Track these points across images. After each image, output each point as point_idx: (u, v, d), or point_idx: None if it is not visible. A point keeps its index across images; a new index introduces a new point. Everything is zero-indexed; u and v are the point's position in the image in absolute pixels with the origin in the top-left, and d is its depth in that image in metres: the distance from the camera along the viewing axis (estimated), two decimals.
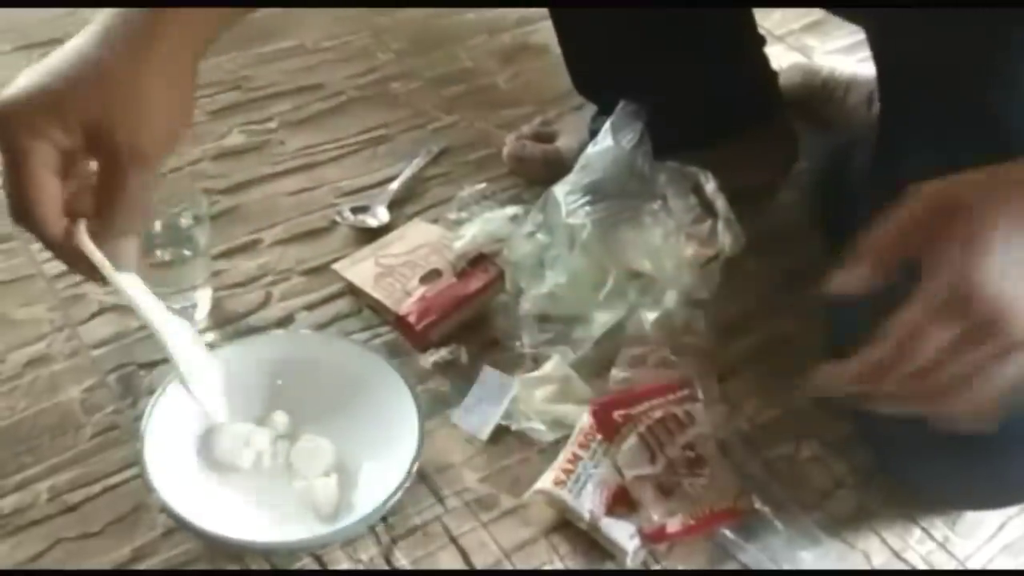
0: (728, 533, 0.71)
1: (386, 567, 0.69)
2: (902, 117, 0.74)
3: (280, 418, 0.73)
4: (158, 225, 0.78)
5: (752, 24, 0.96)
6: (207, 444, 0.72)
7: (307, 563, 0.69)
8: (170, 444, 0.69)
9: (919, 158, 0.70)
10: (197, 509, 0.66)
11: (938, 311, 0.54)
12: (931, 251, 0.54)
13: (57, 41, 1.20)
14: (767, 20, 1.21)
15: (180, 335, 0.66)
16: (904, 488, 0.75)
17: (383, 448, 0.71)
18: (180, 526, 0.66)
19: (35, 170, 0.55)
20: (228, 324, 0.84)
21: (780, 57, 1.17)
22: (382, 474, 0.69)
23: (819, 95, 1.07)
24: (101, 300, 0.85)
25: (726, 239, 0.84)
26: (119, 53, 0.56)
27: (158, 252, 0.79)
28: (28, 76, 0.56)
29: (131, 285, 0.62)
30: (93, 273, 0.60)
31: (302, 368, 0.75)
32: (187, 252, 0.79)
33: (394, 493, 0.67)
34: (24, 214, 0.56)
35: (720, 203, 0.85)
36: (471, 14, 1.27)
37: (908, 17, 0.68)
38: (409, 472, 0.68)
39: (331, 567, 0.69)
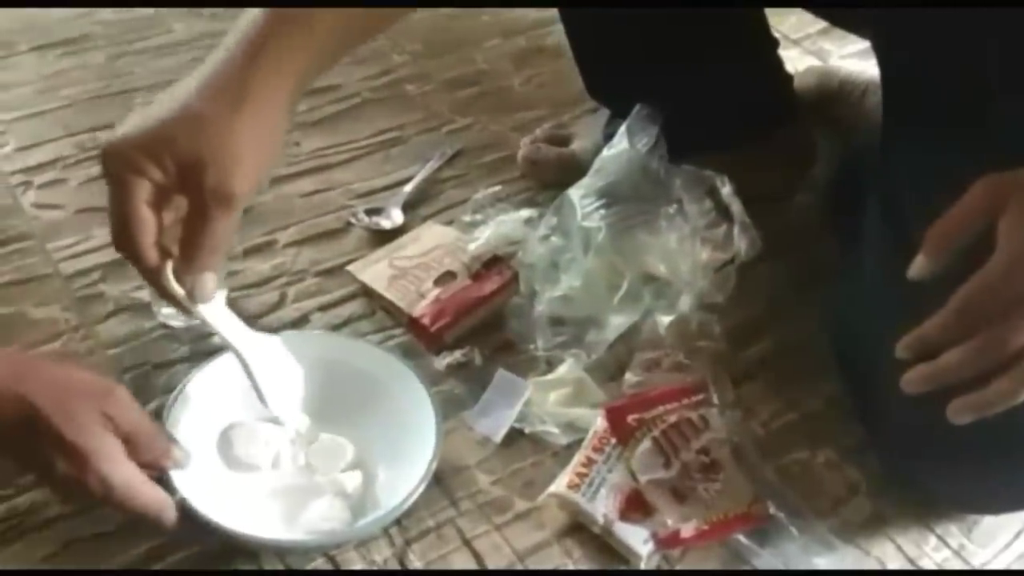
0: (742, 539, 0.70)
1: (399, 568, 0.69)
2: (903, 126, 0.74)
3: (300, 418, 0.73)
4: None
5: (765, 26, 0.96)
6: (225, 442, 0.72)
7: (320, 563, 0.69)
8: (188, 443, 0.69)
9: (917, 164, 0.70)
10: (214, 507, 0.66)
11: (1007, 275, 0.57)
12: (1002, 226, 0.58)
13: (72, 41, 1.21)
14: (783, 24, 1.21)
15: (263, 355, 0.69)
16: (918, 494, 0.74)
17: (401, 449, 0.71)
18: (197, 523, 0.66)
19: (135, 203, 0.62)
20: None
21: (796, 61, 1.17)
22: (399, 475, 0.69)
23: (835, 98, 1.07)
24: (116, 300, 0.85)
25: (742, 243, 0.84)
26: (216, 101, 0.62)
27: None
28: (134, 120, 0.63)
29: (213, 314, 0.68)
30: (179, 305, 0.66)
31: (320, 368, 0.74)
32: None
33: (411, 494, 0.67)
34: (125, 242, 0.63)
35: (736, 207, 0.85)
36: (486, 16, 1.27)
37: (908, 28, 0.68)
38: (427, 473, 0.68)
39: (344, 568, 0.69)
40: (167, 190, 0.62)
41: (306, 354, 0.73)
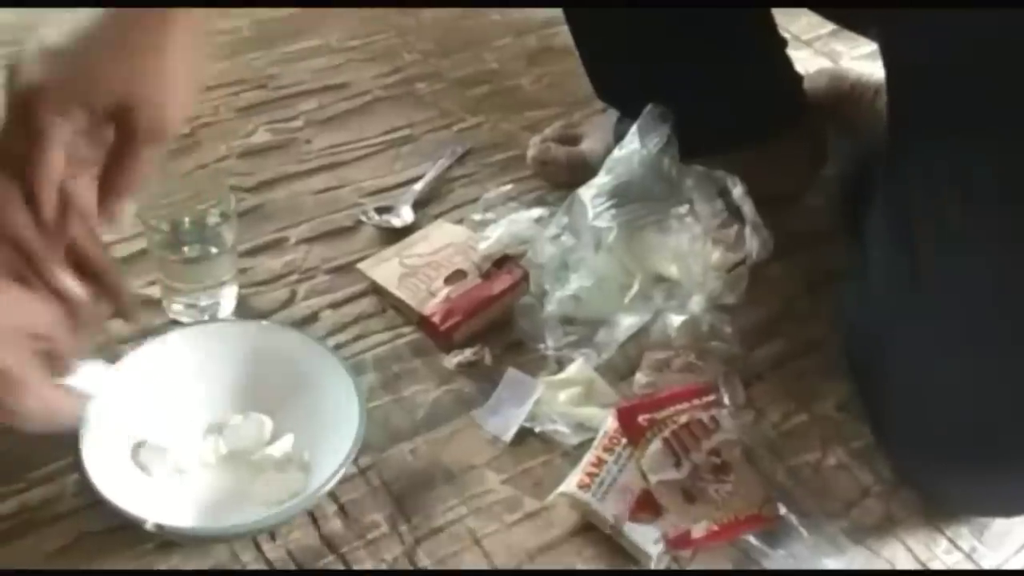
0: (753, 540, 0.70)
1: (409, 567, 0.69)
2: (907, 127, 0.74)
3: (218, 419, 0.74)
4: (187, 222, 0.79)
5: (772, 26, 0.96)
6: (141, 465, 0.71)
7: (331, 561, 0.69)
8: (107, 450, 0.69)
9: (922, 165, 0.70)
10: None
11: None
12: None
13: None
14: (794, 25, 1.21)
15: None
16: (928, 497, 0.74)
17: (327, 433, 0.71)
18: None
19: (55, 149, 0.58)
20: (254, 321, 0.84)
21: (807, 62, 1.16)
22: (325, 459, 0.70)
23: (847, 99, 1.07)
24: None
25: (753, 244, 0.84)
26: (138, 33, 0.58)
27: (185, 248, 0.79)
28: (46, 57, 0.58)
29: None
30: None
31: (238, 358, 0.75)
32: (214, 249, 0.80)
33: (333, 476, 0.67)
34: (34, 187, 0.59)
35: (747, 208, 0.84)
36: (496, 15, 1.27)
37: (913, 30, 0.68)
38: (348, 456, 0.68)
39: (355, 566, 0.69)
40: (87, 131, 0.59)
41: (232, 344, 0.75)
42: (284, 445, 0.72)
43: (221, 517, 0.69)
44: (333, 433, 0.70)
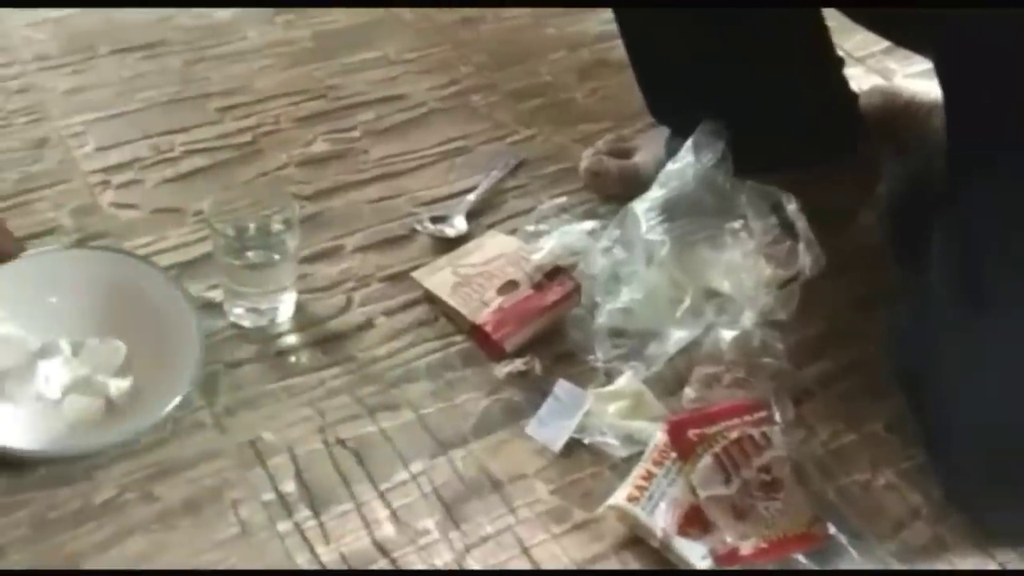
0: (801, 558, 0.70)
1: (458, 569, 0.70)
2: (969, 150, 0.74)
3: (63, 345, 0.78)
4: (252, 228, 0.81)
5: (829, 45, 0.96)
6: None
7: (383, 565, 0.70)
8: None
9: (986, 189, 0.69)
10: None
11: None
12: None
13: (151, 46, 1.24)
14: (847, 42, 1.20)
15: None
16: (976, 522, 0.74)
17: (166, 361, 0.76)
18: None
19: None
20: (310, 327, 0.86)
21: (861, 79, 1.16)
22: (164, 383, 0.74)
23: (900, 117, 1.06)
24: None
25: (806, 260, 0.84)
26: None
27: (249, 254, 0.81)
28: None
29: None
30: None
31: (79, 286, 0.79)
32: (276, 256, 0.82)
33: (169, 403, 0.73)
34: None
35: (801, 224, 0.85)
36: (551, 29, 1.28)
37: (970, 49, 0.67)
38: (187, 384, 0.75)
39: (405, 568, 0.70)
40: None
41: (56, 274, 0.79)
42: (121, 385, 0.76)
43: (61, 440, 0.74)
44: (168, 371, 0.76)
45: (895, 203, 0.98)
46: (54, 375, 0.76)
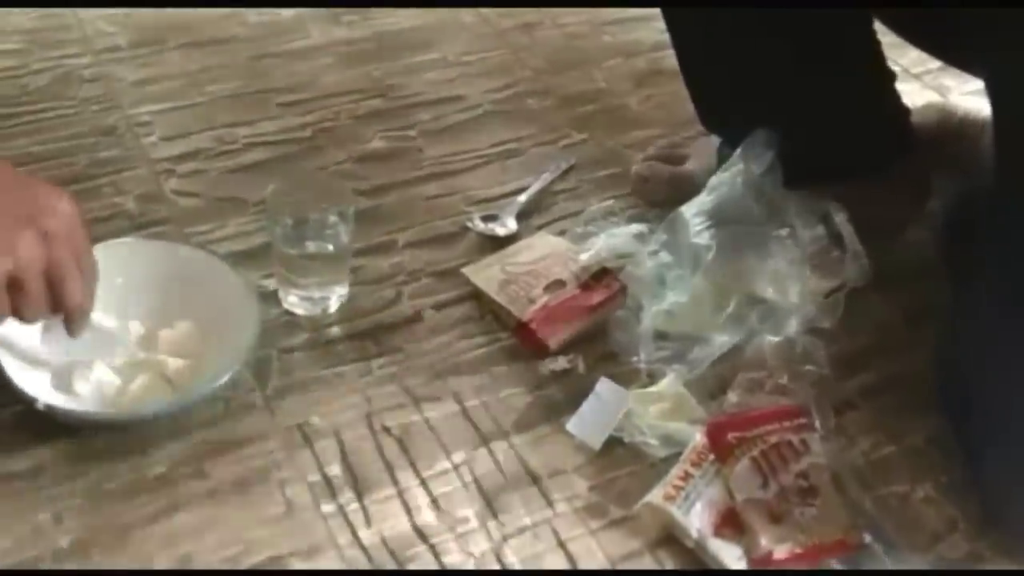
0: (835, 564, 0.71)
1: (496, 564, 0.71)
2: (1016, 170, 0.74)
3: (134, 327, 0.81)
4: (310, 219, 0.83)
5: (881, 59, 0.96)
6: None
7: (421, 551, 0.72)
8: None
9: None
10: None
11: None
12: None
13: (218, 41, 1.28)
14: (903, 58, 1.20)
15: None
16: (1015, 537, 0.74)
17: (223, 343, 0.80)
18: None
19: None
20: (361, 318, 0.89)
21: (916, 96, 1.15)
22: (222, 367, 0.78)
23: (954, 135, 1.06)
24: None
25: (852, 271, 0.84)
26: None
27: (307, 243, 0.84)
28: None
29: None
30: None
31: (145, 272, 0.83)
32: (331, 247, 0.84)
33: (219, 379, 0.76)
34: None
35: (848, 234, 0.85)
36: (607, 37, 1.29)
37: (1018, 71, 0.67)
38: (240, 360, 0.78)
39: (443, 557, 0.71)
40: None
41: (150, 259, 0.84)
42: (176, 363, 0.80)
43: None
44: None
45: (947, 221, 0.98)
46: (120, 354, 0.79)
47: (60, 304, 0.69)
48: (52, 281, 0.67)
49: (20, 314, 0.68)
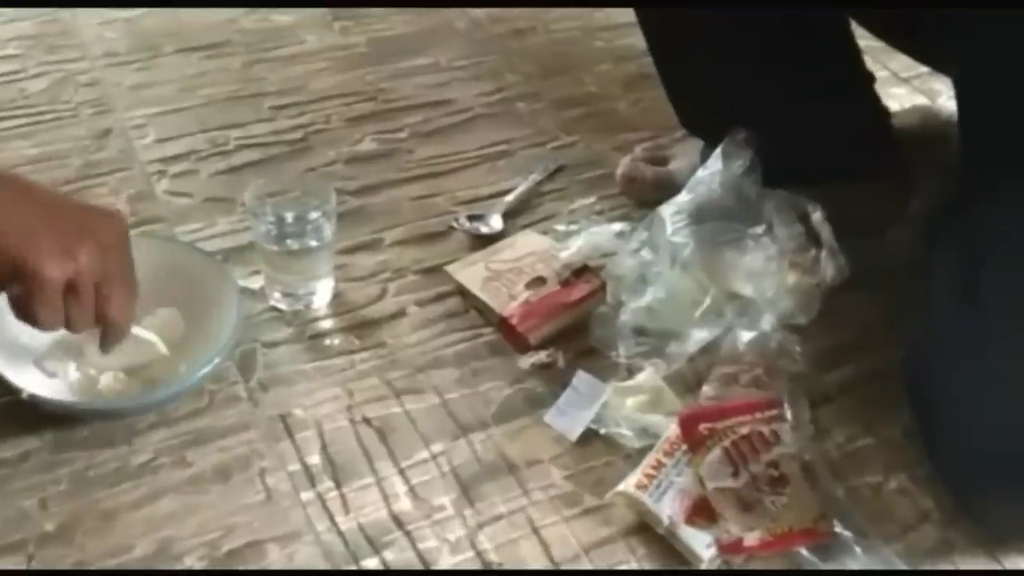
0: (805, 552, 0.71)
1: (470, 549, 0.73)
2: (978, 162, 0.75)
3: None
4: (290, 216, 0.85)
5: (859, 60, 0.96)
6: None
7: (397, 537, 0.73)
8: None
9: (991, 205, 0.70)
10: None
11: None
12: None
13: (214, 46, 1.30)
14: (892, 62, 1.21)
15: None
16: (983, 525, 0.74)
17: (208, 336, 0.81)
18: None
19: None
20: (345, 313, 0.90)
21: (904, 99, 1.17)
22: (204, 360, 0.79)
23: (937, 138, 1.07)
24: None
25: (828, 268, 0.85)
26: None
27: (288, 241, 0.85)
28: None
29: None
30: None
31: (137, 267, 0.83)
32: (313, 243, 0.86)
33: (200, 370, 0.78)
34: None
35: (825, 233, 0.86)
36: (599, 42, 1.31)
37: (990, 69, 0.68)
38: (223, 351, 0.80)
39: (419, 544, 0.73)
40: None
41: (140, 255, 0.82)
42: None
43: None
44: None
45: (928, 223, 0.98)
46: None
47: (103, 316, 0.71)
48: (101, 293, 0.70)
49: (70, 320, 0.70)
